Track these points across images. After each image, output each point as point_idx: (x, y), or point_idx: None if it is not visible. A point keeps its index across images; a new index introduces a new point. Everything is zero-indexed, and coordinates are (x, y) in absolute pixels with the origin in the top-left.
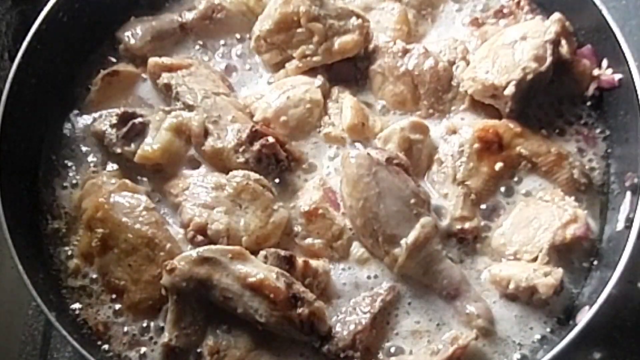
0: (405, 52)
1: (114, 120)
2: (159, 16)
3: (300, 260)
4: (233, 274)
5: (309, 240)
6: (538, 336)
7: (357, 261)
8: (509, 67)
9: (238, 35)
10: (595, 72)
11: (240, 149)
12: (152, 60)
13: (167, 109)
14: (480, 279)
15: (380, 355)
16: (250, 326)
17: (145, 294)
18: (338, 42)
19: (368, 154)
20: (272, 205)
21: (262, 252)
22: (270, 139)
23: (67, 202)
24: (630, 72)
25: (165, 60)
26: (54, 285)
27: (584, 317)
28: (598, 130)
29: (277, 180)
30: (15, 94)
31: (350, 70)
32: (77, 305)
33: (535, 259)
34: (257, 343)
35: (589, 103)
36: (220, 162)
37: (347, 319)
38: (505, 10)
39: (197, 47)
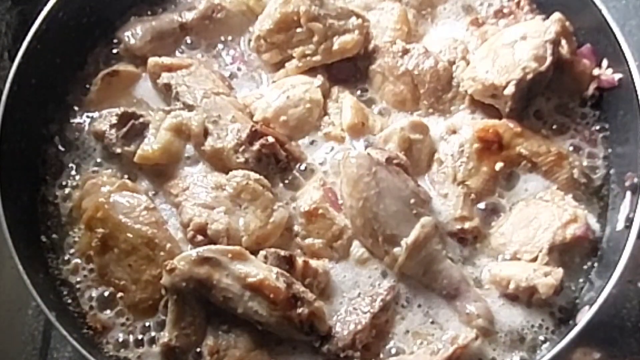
0: (405, 52)
1: (114, 120)
2: (159, 16)
3: (300, 260)
4: (233, 274)
5: (309, 240)
6: (538, 336)
7: (357, 261)
8: (509, 66)
9: (238, 35)
10: (595, 72)
11: (240, 149)
12: (152, 60)
13: (167, 109)
14: (480, 279)
15: (380, 355)
16: (250, 326)
17: (145, 294)
18: (338, 42)
19: (368, 154)
20: (272, 205)
21: (262, 252)
22: (270, 139)
23: (67, 202)
24: (630, 72)
25: (165, 60)
26: (54, 285)
27: (584, 317)
28: (598, 130)
29: (276, 180)
30: (15, 94)
31: (350, 70)
32: (76, 305)
33: (535, 259)
34: (257, 343)
35: (589, 103)
36: (220, 162)
37: (347, 319)
38: (505, 10)
39: (197, 47)
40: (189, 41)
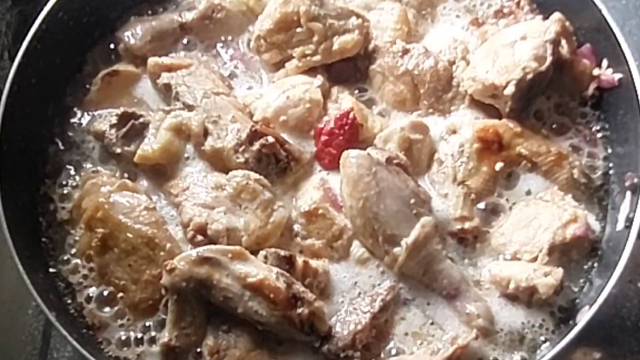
0: (405, 52)
1: (114, 120)
2: (159, 16)
3: (300, 260)
4: (233, 274)
5: (309, 240)
6: (538, 336)
7: (357, 261)
8: (509, 66)
9: (238, 35)
10: (595, 71)
11: (240, 149)
12: (152, 60)
13: (167, 109)
14: (480, 279)
15: (381, 355)
16: (250, 326)
17: (145, 294)
18: (338, 42)
19: (368, 154)
20: (272, 205)
21: (262, 252)
22: (270, 139)
23: (67, 202)
24: (630, 72)
25: (165, 60)
26: (54, 285)
27: (584, 317)
28: (598, 130)
29: (276, 180)
30: (15, 94)
31: (350, 70)
32: (76, 305)
33: (535, 259)
34: (257, 343)
35: (589, 103)
36: (220, 162)
37: (347, 319)
38: (505, 10)
39: (197, 47)
40: (188, 41)
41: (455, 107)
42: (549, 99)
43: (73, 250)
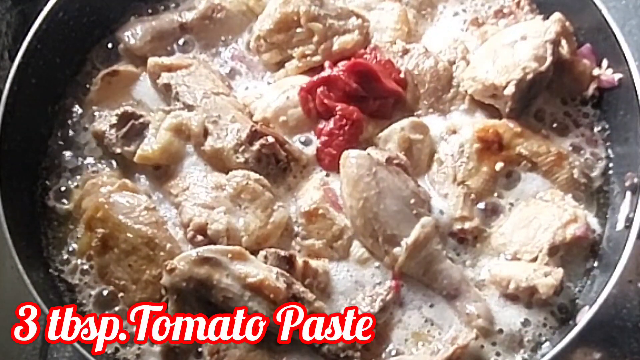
0: (405, 52)
1: (114, 120)
2: (159, 16)
3: (300, 260)
4: (233, 274)
5: (309, 241)
6: (538, 336)
7: (357, 261)
8: (509, 66)
9: (238, 35)
10: (595, 72)
11: (240, 149)
12: (152, 60)
13: (167, 109)
14: (480, 279)
15: (382, 355)
16: None
17: (145, 294)
18: (338, 42)
19: (368, 154)
20: (272, 205)
21: (262, 252)
22: (270, 139)
23: (67, 202)
24: (630, 72)
25: (165, 60)
26: (54, 285)
27: (584, 317)
28: (598, 130)
29: (276, 180)
30: (15, 94)
31: None
32: (76, 305)
33: (535, 259)
34: (257, 343)
35: (589, 103)
36: (220, 162)
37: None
38: (505, 10)
39: (197, 47)
40: (188, 41)
41: (455, 107)
42: (549, 99)
43: (73, 250)
